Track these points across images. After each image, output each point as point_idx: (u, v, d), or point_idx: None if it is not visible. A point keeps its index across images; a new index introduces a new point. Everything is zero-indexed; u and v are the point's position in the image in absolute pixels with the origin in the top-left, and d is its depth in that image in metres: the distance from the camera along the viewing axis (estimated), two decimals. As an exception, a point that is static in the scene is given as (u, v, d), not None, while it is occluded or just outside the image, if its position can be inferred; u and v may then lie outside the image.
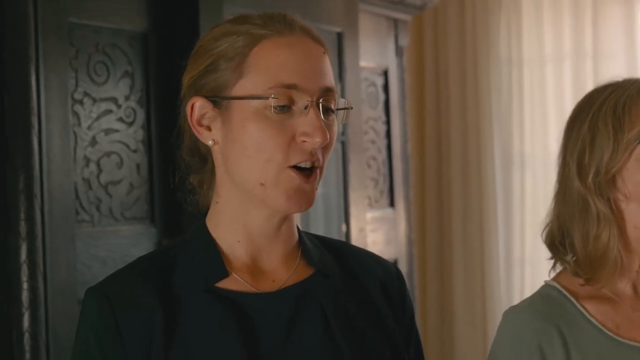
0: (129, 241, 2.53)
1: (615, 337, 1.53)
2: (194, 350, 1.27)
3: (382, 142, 3.63)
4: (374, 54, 3.56)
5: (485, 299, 4.15)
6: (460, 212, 4.22)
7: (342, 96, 3.37)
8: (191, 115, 1.31)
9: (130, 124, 2.56)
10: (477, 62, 4.16)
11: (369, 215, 3.50)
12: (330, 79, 1.32)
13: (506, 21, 4.12)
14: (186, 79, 1.33)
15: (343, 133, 3.32)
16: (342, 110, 1.34)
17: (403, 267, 3.70)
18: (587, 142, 1.55)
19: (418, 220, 4.25)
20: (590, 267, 1.55)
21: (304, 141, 1.27)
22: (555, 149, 1.66)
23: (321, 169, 1.32)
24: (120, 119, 2.53)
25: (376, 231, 3.56)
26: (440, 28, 4.25)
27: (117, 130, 2.52)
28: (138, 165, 2.57)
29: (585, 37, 3.93)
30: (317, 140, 1.26)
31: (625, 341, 1.53)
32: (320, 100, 1.28)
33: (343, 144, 3.31)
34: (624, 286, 1.58)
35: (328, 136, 1.27)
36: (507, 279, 4.06)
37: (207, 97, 1.29)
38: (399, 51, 3.65)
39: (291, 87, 1.26)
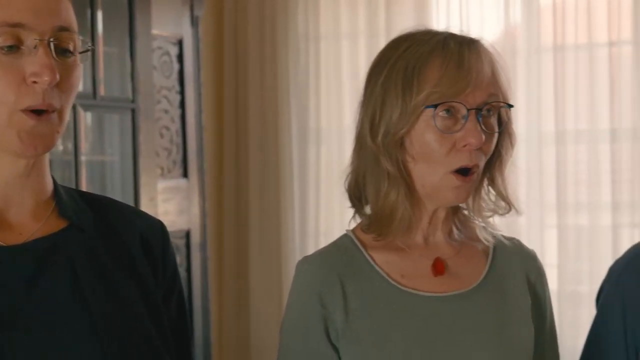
0: None
1: (398, 285, 1.57)
2: None
3: (176, 112, 3.61)
4: (167, 22, 3.54)
5: (282, 270, 4.21)
6: (257, 185, 4.26)
7: (133, 64, 3.33)
8: None
9: None
10: (275, 36, 4.19)
11: (161, 185, 3.49)
12: (65, 19, 1.27)
13: (305, -3, 4.18)
14: None
15: (133, 100, 3.29)
16: (85, 53, 1.30)
17: (196, 238, 3.71)
18: (379, 102, 1.56)
19: (215, 192, 4.26)
20: (379, 223, 1.59)
21: (34, 82, 1.23)
22: (349, 124, 1.67)
23: (60, 112, 1.28)
24: None
25: (168, 201, 3.54)
26: (239, 1, 4.27)
27: None
28: None
29: (379, 15, 4.03)
30: (46, 79, 1.22)
31: (408, 289, 1.57)
32: (52, 40, 1.24)
33: (133, 112, 3.28)
34: (415, 237, 1.62)
35: (58, 76, 1.23)
36: (301, 250, 4.13)
37: None
38: (194, 21, 3.64)
39: (17, 25, 1.22)
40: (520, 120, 3.81)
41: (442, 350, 1.54)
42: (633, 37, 3.68)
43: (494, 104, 1.53)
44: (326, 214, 4.15)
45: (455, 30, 1.59)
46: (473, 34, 1.59)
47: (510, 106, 1.58)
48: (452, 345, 1.54)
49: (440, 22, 3.89)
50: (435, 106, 1.51)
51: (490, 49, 1.57)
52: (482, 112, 1.52)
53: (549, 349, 1.69)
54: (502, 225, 3.95)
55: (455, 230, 1.64)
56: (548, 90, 3.77)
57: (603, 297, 1.82)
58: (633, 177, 3.67)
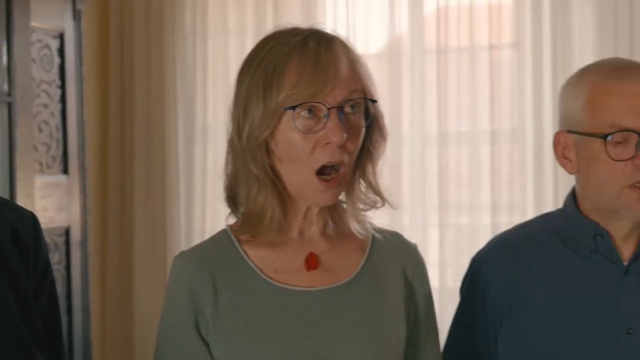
0: None
1: (269, 280, 1.59)
2: None
3: (56, 107, 3.55)
4: (48, 15, 3.47)
5: (167, 268, 4.17)
6: (143, 183, 4.21)
7: (9, 56, 3.26)
8: None
9: None
10: (162, 33, 4.16)
11: (40, 181, 3.42)
12: None
13: (192, -6, 4.15)
14: None
15: (9, 94, 3.21)
16: None
17: (76, 236, 3.65)
18: (242, 104, 1.57)
19: (98, 189, 4.20)
20: (250, 224, 1.60)
21: None
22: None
23: None
24: None
25: (47, 198, 3.48)
26: (126, -3, 4.22)
27: None
28: None
29: (266, 13, 4.04)
30: None
31: (279, 284, 1.59)
32: None
33: (9, 105, 3.21)
34: (291, 232, 1.64)
35: None
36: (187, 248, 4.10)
37: None
38: (76, 15, 3.58)
39: None
40: (405, 122, 3.87)
41: (309, 344, 1.55)
42: (513, 41, 3.77)
43: (356, 100, 1.55)
44: (212, 212, 4.14)
45: (320, 26, 1.61)
46: (339, 31, 1.62)
47: (374, 101, 1.59)
48: (319, 339, 1.56)
49: (327, 19, 3.92)
50: (294, 108, 1.53)
51: (350, 47, 1.59)
52: (345, 110, 1.54)
53: (427, 341, 1.71)
54: (386, 226, 3.99)
55: (331, 225, 1.67)
56: (431, 92, 3.83)
57: (466, 285, 1.90)
58: (512, 178, 3.75)
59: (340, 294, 1.60)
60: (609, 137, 1.73)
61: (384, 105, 4.14)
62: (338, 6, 3.93)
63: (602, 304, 1.78)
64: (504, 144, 3.74)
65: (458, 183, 3.82)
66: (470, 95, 3.78)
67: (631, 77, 1.75)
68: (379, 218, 4.20)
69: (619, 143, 1.73)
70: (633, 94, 1.73)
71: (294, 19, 3.92)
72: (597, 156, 1.75)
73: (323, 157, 1.54)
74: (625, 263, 1.80)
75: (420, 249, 4.08)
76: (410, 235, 3.78)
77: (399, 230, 3.81)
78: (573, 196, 1.87)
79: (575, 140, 1.80)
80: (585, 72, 1.82)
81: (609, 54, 3.67)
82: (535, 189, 3.69)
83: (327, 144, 1.53)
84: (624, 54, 3.74)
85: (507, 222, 3.73)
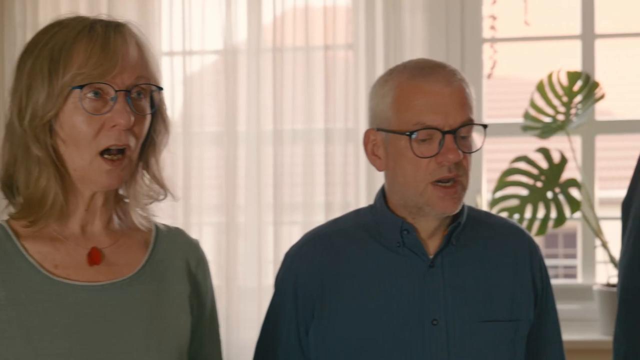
0: None
1: (50, 275, 1.56)
2: None
3: None
4: None
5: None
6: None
7: None
8: None
9: None
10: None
11: None
12: None
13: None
14: None
15: None
16: None
17: None
18: (26, 86, 1.55)
19: None
20: (30, 210, 1.57)
21: None
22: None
23: None
24: None
25: None
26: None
27: None
28: None
29: (100, 4, 3.94)
30: None
31: (59, 279, 1.56)
32: None
33: None
34: (72, 226, 1.61)
35: None
36: None
37: None
38: None
39: None
40: (241, 120, 3.87)
41: (89, 340, 1.54)
42: (347, 42, 3.83)
43: (143, 86, 1.57)
44: None
45: (104, 16, 1.61)
46: (120, 19, 1.62)
47: (160, 89, 1.61)
48: (100, 336, 1.55)
49: (163, 14, 3.88)
50: (82, 87, 1.53)
51: (139, 34, 1.60)
52: (132, 95, 1.55)
53: (209, 335, 1.74)
54: (222, 224, 3.97)
55: (115, 219, 1.66)
56: (267, 91, 3.85)
57: (279, 279, 1.94)
58: (345, 178, 3.81)
59: (123, 289, 1.60)
60: (414, 135, 1.80)
61: (220, 103, 4.14)
62: (174, 2, 3.90)
63: (409, 296, 1.85)
64: (338, 144, 3.80)
65: (293, 182, 3.86)
66: (305, 94, 3.82)
67: (435, 76, 1.82)
68: (209, 215, 4.17)
69: (423, 140, 1.80)
70: (436, 93, 1.80)
71: (128, 10, 3.87)
72: (403, 153, 1.81)
73: (109, 140, 1.55)
74: (431, 257, 1.87)
75: (255, 247, 4.10)
76: (246, 234, 3.86)
77: (235, 230, 3.86)
78: (383, 192, 1.93)
79: (383, 138, 1.86)
80: (393, 72, 1.88)
81: (439, 56, 3.79)
82: (368, 189, 3.76)
83: (114, 126, 1.54)
84: (455, 57, 3.87)
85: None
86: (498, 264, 1.91)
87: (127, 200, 1.67)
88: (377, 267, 1.88)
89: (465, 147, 1.83)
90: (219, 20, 3.88)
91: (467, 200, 3.93)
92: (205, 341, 1.73)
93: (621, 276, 1.90)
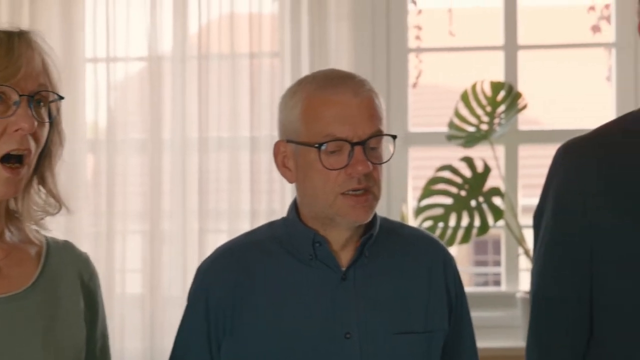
0: None
1: None
2: None
3: None
4: None
5: None
6: None
7: None
8: None
9: None
10: None
11: None
12: None
13: None
14: None
15: None
16: None
17: None
18: None
19: None
20: None
21: None
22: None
23: None
24: None
25: None
26: None
27: None
28: None
29: (22, 9, 3.84)
30: None
31: None
32: None
33: None
34: None
35: None
36: None
37: None
38: None
39: None
40: (166, 127, 3.85)
41: None
42: (273, 50, 3.83)
43: (43, 93, 1.55)
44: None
45: (6, 25, 1.60)
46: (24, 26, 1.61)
47: (61, 98, 1.59)
48: None
49: (87, 19, 3.84)
50: None
51: (42, 42, 1.59)
52: (34, 101, 1.54)
53: (102, 348, 1.74)
54: (146, 232, 3.92)
55: (8, 233, 1.63)
56: (192, 98, 3.83)
57: (191, 293, 1.92)
58: (271, 185, 3.81)
59: (17, 302, 1.57)
60: (323, 147, 1.78)
61: (145, 110, 4.10)
62: (98, 7, 3.85)
63: (321, 310, 1.83)
64: (263, 152, 3.79)
65: (218, 189, 3.84)
66: (231, 102, 3.81)
67: (344, 87, 1.80)
68: (133, 223, 4.12)
69: (332, 152, 1.79)
70: (344, 104, 1.78)
71: (52, 16, 3.82)
72: (312, 165, 1.80)
73: (10, 144, 1.52)
74: (344, 269, 1.86)
75: (180, 254, 4.06)
76: (170, 241, 3.82)
77: (160, 237, 3.82)
78: (295, 204, 1.92)
79: (293, 150, 1.84)
80: (302, 83, 1.88)
81: (365, 65, 3.82)
82: (293, 196, 3.75)
83: (17, 130, 1.52)
84: (381, 67, 3.90)
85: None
86: (412, 275, 1.90)
87: (17, 215, 1.64)
88: (290, 281, 1.86)
89: (374, 158, 1.81)
90: (144, 27, 3.85)
91: (393, 209, 3.98)
92: (97, 354, 1.72)
93: (533, 286, 1.93)
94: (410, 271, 1.91)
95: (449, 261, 1.97)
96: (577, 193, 1.83)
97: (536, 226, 1.95)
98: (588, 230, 1.82)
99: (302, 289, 1.85)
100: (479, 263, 10.29)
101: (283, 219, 1.96)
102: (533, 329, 1.92)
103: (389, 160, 1.86)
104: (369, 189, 1.81)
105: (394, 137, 1.87)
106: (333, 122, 1.78)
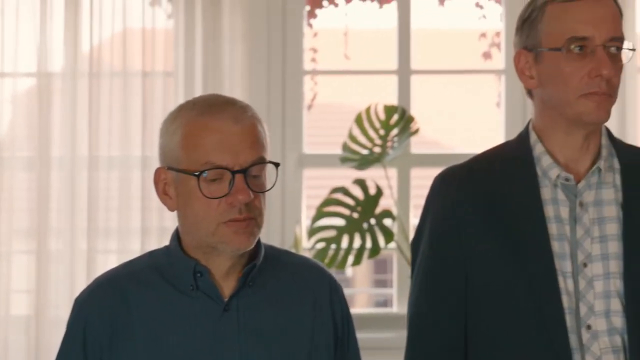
0: None
1: None
2: None
3: None
4: None
5: None
6: None
7: None
8: None
9: None
10: None
11: None
12: None
13: None
14: None
15: None
16: None
17: None
18: None
19: None
20: None
21: None
22: None
23: None
24: None
25: None
26: None
27: None
28: None
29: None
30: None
31: None
32: None
33: None
34: None
35: None
36: None
37: None
38: None
39: None
40: (55, 145, 3.77)
41: None
42: (166, 70, 3.80)
43: None
44: None
45: None
46: None
47: None
48: None
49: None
50: None
51: None
52: None
53: None
54: (32, 251, 3.84)
55: None
56: (83, 116, 3.77)
57: (69, 325, 1.85)
58: (162, 204, 3.76)
59: None
60: (203, 174, 1.75)
61: (33, 128, 4.01)
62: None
63: (203, 342, 1.78)
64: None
65: (108, 207, 3.78)
66: (122, 120, 3.76)
67: (224, 114, 1.76)
68: (20, 243, 4.03)
69: (213, 180, 1.75)
70: (225, 131, 1.75)
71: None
72: (193, 193, 1.76)
73: None
74: (226, 299, 1.82)
75: (69, 274, 3.98)
76: (57, 260, 3.73)
77: (46, 255, 3.74)
78: (177, 233, 1.87)
79: (174, 177, 1.80)
80: (182, 108, 1.82)
81: (260, 87, 3.81)
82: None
83: None
84: (276, 88, 3.90)
85: (157, 246, 3.74)
86: (297, 305, 1.88)
87: None
88: (170, 312, 1.81)
89: (256, 187, 1.77)
90: (33, 43, 3.77)
91: (287, 229, 3.96)
92: None
93: (410, 309, 1.96)
94: (295, 300, 1.88)
95: (335, 289, 1.94)
96: (453, 220, 1.91)
97: (414, 251, 2.00)
98: (462, 257, 1.90)
99: (183, 321, 1.80)
100: (379, 282, 10.35)
101: (165, 247, 1.91)
102: (409, 352, 1.97)
103: (271, 189, 1.83)
104: (251, 219, 1.78)
105: (277, 164, 1.84)
106: (213, 150, 1.75)
